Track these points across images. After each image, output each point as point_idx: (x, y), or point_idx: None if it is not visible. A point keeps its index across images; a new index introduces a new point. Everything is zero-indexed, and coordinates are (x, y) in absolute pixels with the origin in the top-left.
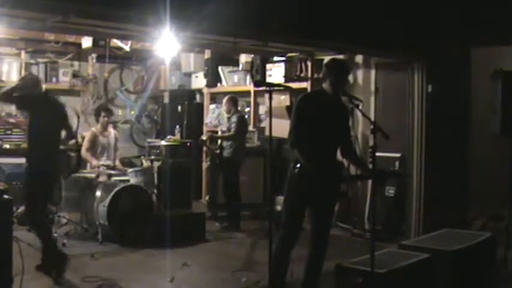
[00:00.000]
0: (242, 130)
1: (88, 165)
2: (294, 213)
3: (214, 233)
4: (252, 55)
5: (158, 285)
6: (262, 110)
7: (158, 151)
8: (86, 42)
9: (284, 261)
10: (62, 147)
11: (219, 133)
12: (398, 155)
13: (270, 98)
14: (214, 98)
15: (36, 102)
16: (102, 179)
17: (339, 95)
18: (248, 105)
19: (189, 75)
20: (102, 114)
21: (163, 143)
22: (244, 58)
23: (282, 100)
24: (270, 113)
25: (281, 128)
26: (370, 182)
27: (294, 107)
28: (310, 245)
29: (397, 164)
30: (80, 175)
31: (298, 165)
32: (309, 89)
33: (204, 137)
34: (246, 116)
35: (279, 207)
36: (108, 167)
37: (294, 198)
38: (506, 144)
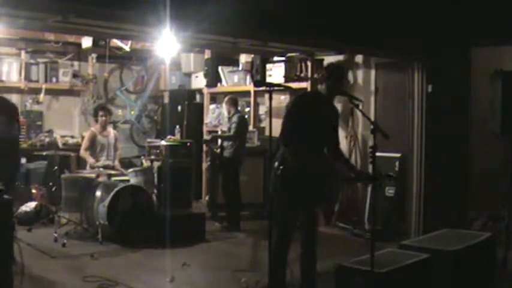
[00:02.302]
0: (242, 130)
1: (88, 165)
2: (285, 213)
3: (214, 233)
4: (252, 55)
5: (158, 285)
6: (262, 110)
7: (158, 151)
8: (86, 42)
9: (283, 262)
10: None
11: (219, 133)
12: (398, 155)
13: (270, 98)
14: (214, 98)
15: None
16: (102, 179)
17: (333, 98)
18: (248, 105)
19: (189, 75)
20: (100, 113)
21: (163, 143)
22: (244, 58)
23: (282, 100)
24: (270, 113)
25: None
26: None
27: (287, 107)
28: (300, 246)
29: (397, 164)
30: (80, 175)
31: (281, 167)
32: (309, 89)
33: (207, 137)
34: (246, 116)
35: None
36: (107, 167)
37: (281, 199)
38: (506, 144)
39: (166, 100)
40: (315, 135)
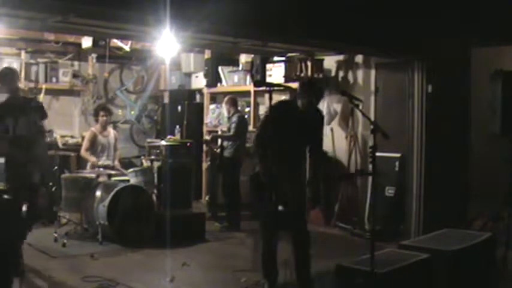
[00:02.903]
0: (242, 130)
1: (88, 165)
2: (262, 215)
3: (214, 233)
4: (252, 55)
5: (158, 285)
6: (262, 110)
7: (158, 151)
8: (86, 42)
9: (272, 261)
10: None
11: (219, 133)
12: (398, 155)
13: (270, 98)
14: (214, 98)
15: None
16: (102, 179)
17: (310, 109)
18: (248, 105)
19: (189, 75)
20: (101, 113)
21: (163, 143)
22: (244, 58)
23: None
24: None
25: None
26: (370, 182)
27: (264, 115)
28: (292, 247)
29: (397, 164)
30: (80, 175)
31: (253, 173)
32: None
33: (207, 137)
34: (246, 116)
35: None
36: (107, 167)
37: (259, 201)
38: (506, 144)
39: (166, 100)
40: (286, 142)
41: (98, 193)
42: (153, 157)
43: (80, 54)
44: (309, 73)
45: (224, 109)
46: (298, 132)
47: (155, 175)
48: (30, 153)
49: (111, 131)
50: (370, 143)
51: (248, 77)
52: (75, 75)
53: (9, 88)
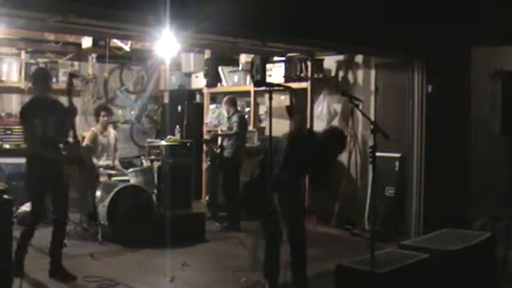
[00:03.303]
0: (242, 130)
1: None
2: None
3: (214, 233)
4: (252, 55)
5: (158, 285)
6: (262, 110)
7: (158, 151)
8: (86, 42)
9: (274, 262)
10: None
11: (219, 132)
12: (398, 155)
13: (270, 98)
14: (214, 98)
15: None
16: (102, 179)
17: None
18: (248, 105)
19: (189, 75)
20: (102, 113)
21: (163, 143)
22: (244, 58)
23: (282, 100)
24: (270, 113)
25: (281, 128)
26: (370, 182)
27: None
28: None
29: (397, 164)
30: None
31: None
32: (309, 89)
33: (207, 137)
34: (246, 116)
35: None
36: (107, 167)
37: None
38: (506, 144)
39: (166, 100)
40: (297, 162)
41: (98, 193)
42: (153, 157)
43: (80, 54)
44: (309, 73)
45: (224, 109)
46: (310, 158)
47: (155, 175)
48: (58, 155)
49: (111, 131)
50: (370, 143)
51: (248, 77)
52: (75, 75)
53: (41, 89)
